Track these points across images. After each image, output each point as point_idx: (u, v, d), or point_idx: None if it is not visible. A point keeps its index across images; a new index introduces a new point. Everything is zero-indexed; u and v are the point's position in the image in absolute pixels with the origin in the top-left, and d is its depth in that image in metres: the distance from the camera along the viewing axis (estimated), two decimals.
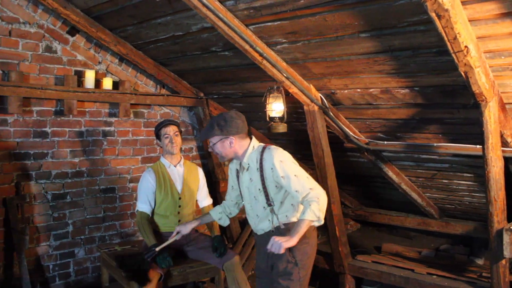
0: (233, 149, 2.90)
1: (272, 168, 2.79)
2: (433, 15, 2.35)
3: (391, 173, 4.86)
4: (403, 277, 4.20)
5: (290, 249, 2.79)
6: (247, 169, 2.93)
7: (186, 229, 3.34)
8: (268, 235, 2.87)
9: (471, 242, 5.45)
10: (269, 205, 2.87)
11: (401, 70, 3.35)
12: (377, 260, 4.65)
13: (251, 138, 2.96)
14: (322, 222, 2.74)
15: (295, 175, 2.76)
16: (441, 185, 4.87)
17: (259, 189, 2.88)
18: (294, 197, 2.78)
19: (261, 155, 2.85)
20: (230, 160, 3.05)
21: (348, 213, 6.50)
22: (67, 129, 4.25)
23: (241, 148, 2.91)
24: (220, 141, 2.88)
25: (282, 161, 2.79)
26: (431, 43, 2.90)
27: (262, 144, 2.95)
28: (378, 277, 4.35)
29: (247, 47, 3.39)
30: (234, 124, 2.86)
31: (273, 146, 2.91)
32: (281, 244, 2.63)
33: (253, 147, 2.92)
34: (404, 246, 5.67)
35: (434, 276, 4.20)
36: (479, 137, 3.27)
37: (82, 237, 4.38)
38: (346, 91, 3.93)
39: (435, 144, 3.99)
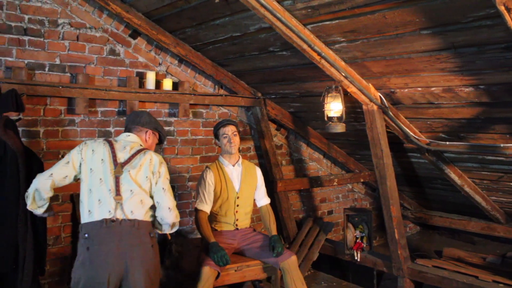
0: None
1: None
2: (501, 8, 2.25)
3: (453, 175, 4.71)
4: (466, 283, 4.02)
5: None
6: None
7: None
8: None
9: None
10: None
11: (465, 68, 3.22)
12: (438, 265, 4.49)
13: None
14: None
15: None
16: (508, 188, 4.65)
17: None
18: None
19: None
20: None
21: (407, 216, 6.36)
22: None
23: None
24: None
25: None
26: (499, 38, 2.77)
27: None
28: (438, 282, 4.19)
29: (305, 46, 3.38)
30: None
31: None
32: None
33: None
34: (467, 251, 5.45)
35: (501, 285, 3.98)
36: None
37: None
38: (406, 90, 3.84)
39: (502, 145, 3.81)
